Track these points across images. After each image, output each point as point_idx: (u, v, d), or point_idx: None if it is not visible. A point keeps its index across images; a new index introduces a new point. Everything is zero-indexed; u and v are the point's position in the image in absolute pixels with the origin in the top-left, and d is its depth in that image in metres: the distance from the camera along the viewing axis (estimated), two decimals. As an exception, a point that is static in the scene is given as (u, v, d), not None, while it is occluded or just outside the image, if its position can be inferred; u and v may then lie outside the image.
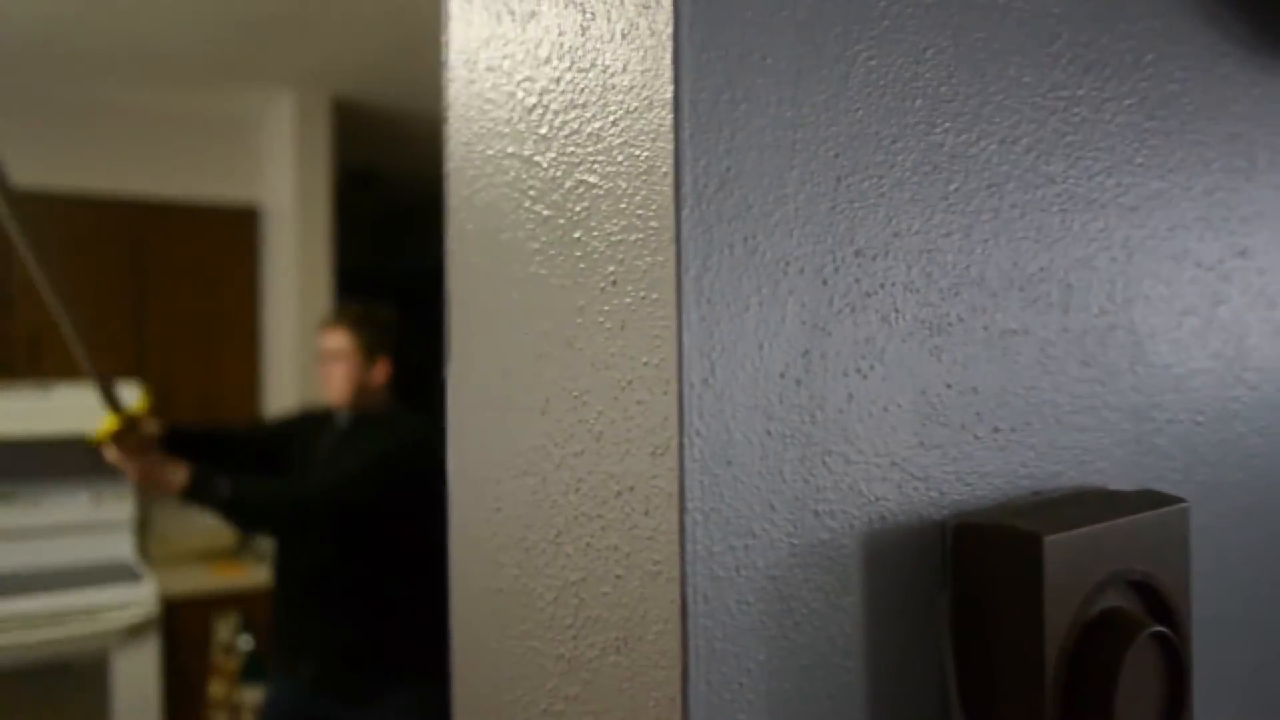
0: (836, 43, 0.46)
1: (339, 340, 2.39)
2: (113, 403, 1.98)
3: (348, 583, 2.32)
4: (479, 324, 0.52)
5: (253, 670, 3.16)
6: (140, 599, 3.16)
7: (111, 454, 2.01)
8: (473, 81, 0.54)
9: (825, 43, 0.46)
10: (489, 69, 0.53)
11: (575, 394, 0.45)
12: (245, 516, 2.14)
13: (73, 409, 3.27)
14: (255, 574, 3.43)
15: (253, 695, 3.12)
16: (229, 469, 2.17)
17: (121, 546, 3.56)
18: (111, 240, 3.45)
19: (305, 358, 3.41)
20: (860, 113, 0.46)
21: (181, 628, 3.27)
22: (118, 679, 3.14)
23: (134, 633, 3.15)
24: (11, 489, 3.44)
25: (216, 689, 3.21)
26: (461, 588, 0.54)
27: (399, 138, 3.98)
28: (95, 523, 3.54)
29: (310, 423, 2.50)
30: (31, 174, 3.41)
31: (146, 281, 3.50)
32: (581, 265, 0.45)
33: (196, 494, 2.05)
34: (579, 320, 0.45)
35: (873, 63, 0.47)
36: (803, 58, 0.45)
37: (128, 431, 1.99)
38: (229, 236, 3.64)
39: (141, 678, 3.17)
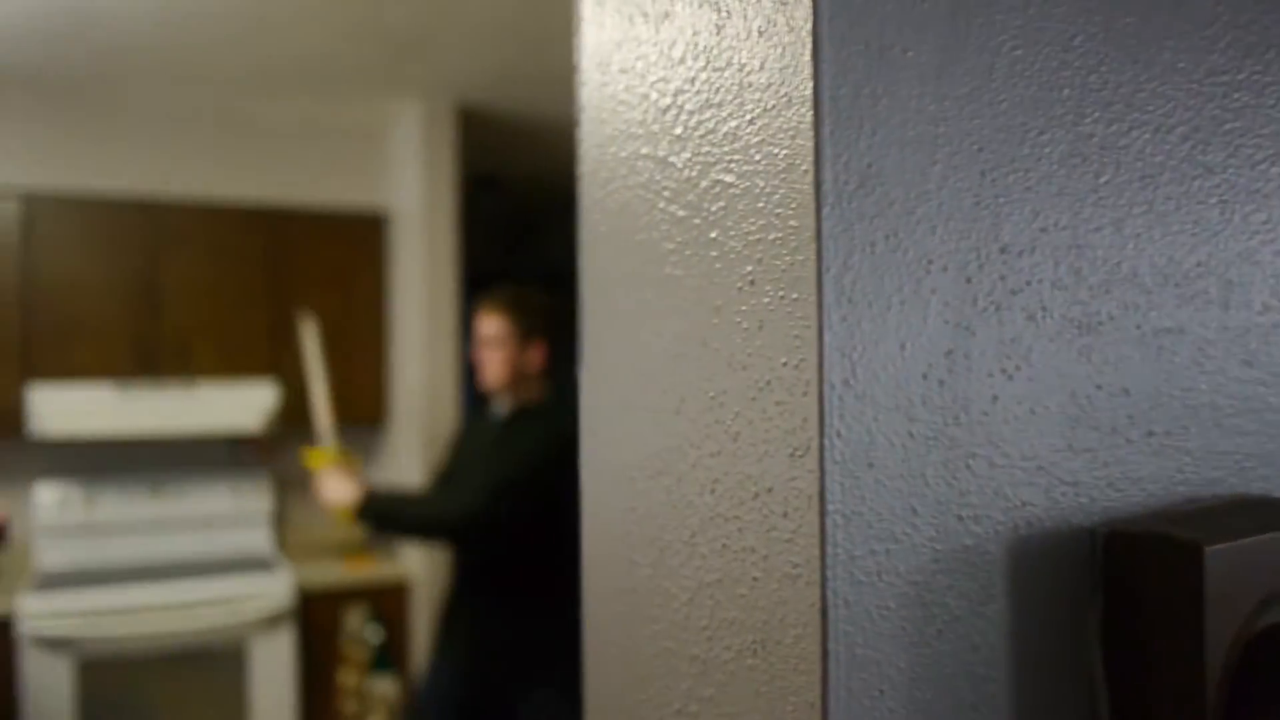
0: (980, 33, 0.45)
1: (493, 324, 2.39)
2: (336, 444, 2.37)
3: (501, 575, 2.37)
4: (613, 325, 0.53)
5: (381, 661, 3.27)
6: (276, 590, 3.30)
7: (315, 476, 2.34)
8: (605, 84, 0.55)
9: (968, 33, 0.44)
10: (622, 71, 0.53)
11: (711, 394, 0.45)
12: (402, 535, 2.34)
13: (216, 407, 3.45)
14: (384, 568, 3.54)
15: (381, 686, 3.22)
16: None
17: (259, 538, 3.73)
18: (251, 245, 3.61)
19: (432, 358, 3.50)
20: (1005, 105, 0.45)
21: (314, 618, 3.40)
22: (255, 665, 3.28)
23: (271, 622, 3.29)
24: (159, 481, 3.64)
25: (346, 678, 3.33)
26: (595, 586, 0.55)
27: (521, 143, 4.05)
28: (235, 515, 3.72)
29: (466, 431, 2.58)
30: (180, 184, 3.60)
31: (282, 284, 3.65)
32: (718, 265, 0.45)
33: (362, 517, 2.28)
34: (715, 320, 0.45)
35: (1018, 52, 0.46)
36: (945, 50, 0.44)
37: (336, 466, 2.31)
38: (359, 241, 3.77)
39: (277, 665, 3.31)
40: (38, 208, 3.36)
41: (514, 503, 2.25)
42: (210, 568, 3.45)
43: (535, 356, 2.42)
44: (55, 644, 3.03)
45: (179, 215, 3.53)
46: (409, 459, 3.60)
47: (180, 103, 3.57)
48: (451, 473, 2.55)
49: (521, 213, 5.34)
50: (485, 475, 2.30)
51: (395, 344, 3.80)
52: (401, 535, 2.37)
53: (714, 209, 0.45)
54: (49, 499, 3.48)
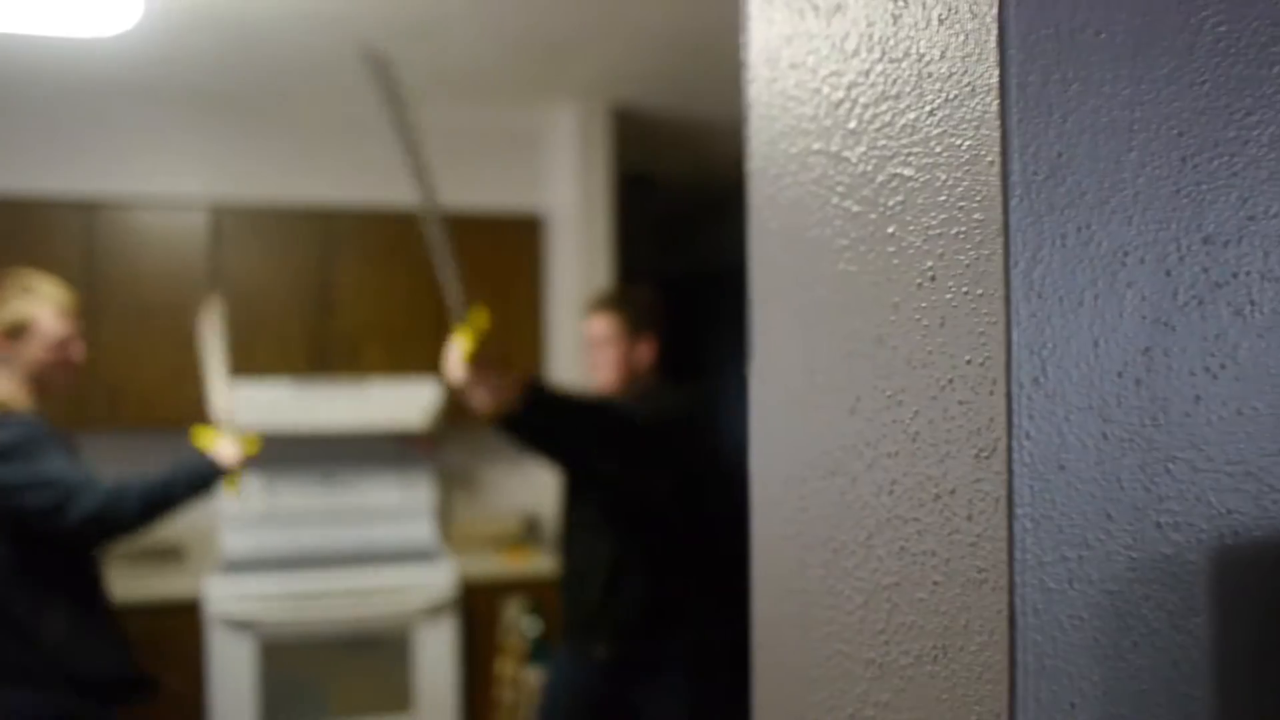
0: (1179, 10, 0.42)
1: (602, 324, 2.39)
2: (465, 321, 2.04)
3: (635, 561, 2.35)
4: (783, 322, 0.52)
5: (538, 653, 3.35)
6: (440, 580, 3.43)
7: (467, 372, 1.99)
8: (774, 80, 0.54)
9: (1166, 11, 0.42)
10: (791, 66, 0.53)
11: (888, 393, 0.44)
12: (561, 424, 2.09)
13: (383, 404, 3.60)
14: (541, 561, 3.62)
15: (538, 676, 3.30)
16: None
17: (423, 530, 3.88)
18: (415, 249, 3.75)
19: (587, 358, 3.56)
20: (1207, 85, 0.42)
21: (475, 608, 3.51)
22: (419, 652, 3.41)
23: (434, 611, 3.42)
24: (331, 474, 3.83)
25: (504, 668, 3.42)
26: (764, 586, 0.54)
27: (675, 141, 4.07)
28: (401, 507, 3.88)
29: None
30: (350, 192, 3.78)
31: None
32: (895, 261, 0.44)
33: (529, 397, 2.00)
34: (892, 318, 0.44)
35: (1222, 29, 0.43)
36: (1141, 29, 0.41)
37: (480, 350, 2.01)
38: (517, 243, 3.87)
39: (440, 652, 3.43)
40: (224, 218, 3.59)
41: (636, 441, 2.17)
42: (378, 557, 3.61)
43: (645, 352, 2.39)
44: (239, 625, 3.24)
45: (349, 222, 3.71)
46: (564, 456, 3.66)
47: (349, 115, 3.74)
48: None
49: (675, 212, 5.37)
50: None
51: (551, 344, 3.88)
52: (560, 424, 2.10)
53: (891, 203, 0.44)
54: (234, 489, 3.71)
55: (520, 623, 3.44)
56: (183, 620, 3.22)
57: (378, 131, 3.87)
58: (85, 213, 3.47)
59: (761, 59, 0.56)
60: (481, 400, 1.98)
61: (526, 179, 4.02)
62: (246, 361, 3.59)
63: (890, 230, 0.44)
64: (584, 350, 2.50)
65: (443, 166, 3.91)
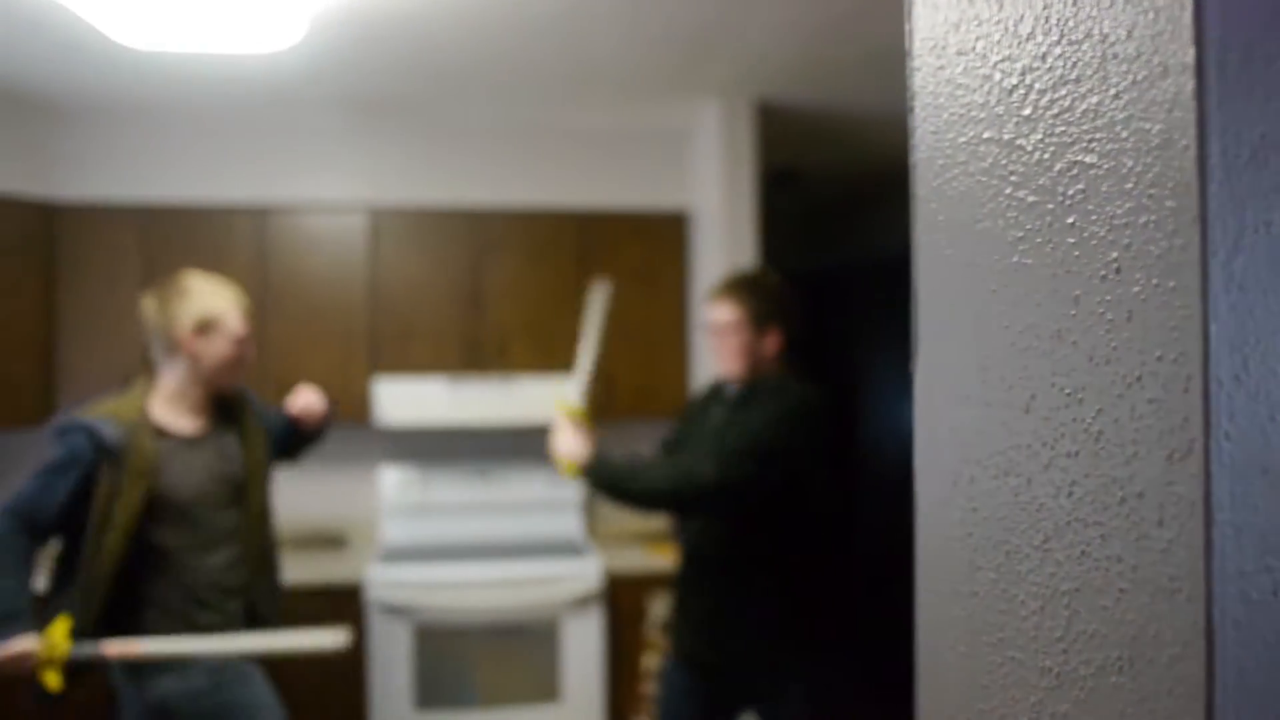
0: (1399, -24, 0.39)
1: (726, 312, 2.32)
2: (583, 406, 2.39)
3: (742, 563, 2.29)
4: (951, 317, 0.51)
5: (683, 648, 3.35)
6: (587, 573, 3.48)
7: (560, 422, 2.36)
8: (941, 67, 0.53)
9: (1384, -23, 0.38)
10: (959, 53, 0.51)
11: (1067, 391, 0.42)
12: (625, 503, 2.24)
13: (532, 400, 3.69)
14: (684, 558, 3.64)
15: (683, 671, 3.31)
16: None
17: (571, 524, 3.95)
18: (563, 248, 3.83)
19: (730, 354, 3.55)
20: None
21: (620, 602, 3.55)
22: (566, 643, 3.48)
23: (581, 603, 3.48)
24: (483, 468, 3.95)
25: (649, 662, 3.45)
26: (929, 588, 0.53)
27: (819, 135, 4.02)
28: (549, 501, 3.96)
29: (697, 406, 2.53)
30: (500, 193, 3.88)
31: (591, 284, 3.85)
32: (1076, 253, 0.42)
33: (586, 476, 2.26)
34: (1072, 312, 0.42)
35: None
36: (1355, -2, 0.38)
37: (576, 423, 2.33)
38: (662, 240, 3.89)
39: (586, 644, 3.49)
40: (382, 220, 3.74)
41: (742, 475, 2.14)
42: (527, 550, 3.69)
43: (771, 344, 2.31)
44: (397, 610, 3.37)
45: (500, 223, 3.81)
46: (709, 452, 3.66)
47: (498, 117, 3.84)
48: (677, 446, 2.49)
49: (820, 205, 5.29)
50: (716, 447, 2.21)
51: (696, 341, 3.89)
52: (625, 503, 2.25)
53: (1071, 192, 0.42)
54: (392, 480, 3.87)
55: (665, 619, 3.46)
56: (345, 603, 3.38)
57: (527, 135, 3.97)
58: (257, 217, 3.68)
59: (927, 47, 0.54)
60: (565, 451, 2.31)
61: (672, 177, 4.04)
62: (402, 359, 3.74)
63: (1070, 220, 0.42)
64: (707, 336, 2.46)
65: (591, 168, 3.99)
